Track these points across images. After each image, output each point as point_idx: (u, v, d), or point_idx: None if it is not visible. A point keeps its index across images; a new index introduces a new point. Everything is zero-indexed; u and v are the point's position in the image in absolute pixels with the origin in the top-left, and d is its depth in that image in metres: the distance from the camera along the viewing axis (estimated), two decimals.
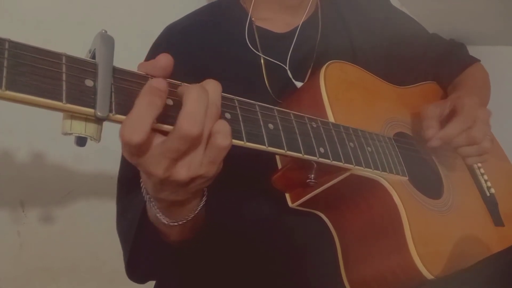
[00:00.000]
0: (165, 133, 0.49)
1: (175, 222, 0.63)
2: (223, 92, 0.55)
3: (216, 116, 0.50)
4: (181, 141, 0.47)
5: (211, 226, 0.75)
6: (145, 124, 0.45)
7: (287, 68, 0.89)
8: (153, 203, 0.63)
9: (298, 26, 0.92)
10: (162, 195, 0.57)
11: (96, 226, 1.19)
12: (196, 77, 0.52)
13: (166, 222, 0.63)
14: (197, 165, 0.50)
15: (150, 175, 0.51)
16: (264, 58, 0.89)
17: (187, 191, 0.56)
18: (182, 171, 0.50)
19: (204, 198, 0.64)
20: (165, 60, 0.51)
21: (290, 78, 0.88)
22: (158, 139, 0.49)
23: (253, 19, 0.93)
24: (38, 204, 1.13)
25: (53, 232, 1.16)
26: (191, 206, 0.63)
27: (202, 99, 0.48)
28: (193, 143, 0.48)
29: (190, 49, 0.87)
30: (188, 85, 0.50)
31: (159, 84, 0.46)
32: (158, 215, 0.63)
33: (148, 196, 0.63)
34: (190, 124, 0.46)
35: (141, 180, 0.60)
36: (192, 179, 0.52)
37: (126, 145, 0.46)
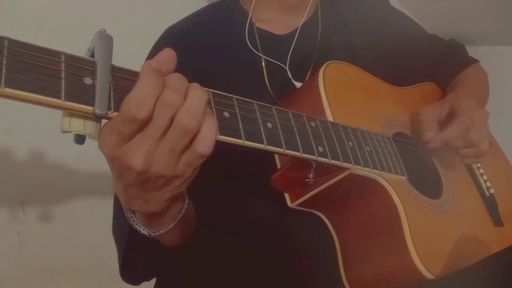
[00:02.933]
0: None
1: (156, 232, 0.62)
2: (223, 92, 0.55)
3: (187, 126, 0.48)
4: (164, 111, 0.47)
5: (210, 226, 0.75)
6: (153, 99, 0.45)
7: (287, 68, 0.89)
8: (131, 214, 0.63)
9: (298, 27, 0.92)
10: (136, 206, 0.56)
11: (96, 226, 1.18)
12: (196, 79, 0.52)
13: (146, 234, 0.63)
14: (173, 161, 0.49)
15: (127, 171, 0.49)
16: (264, 59, 0.89)
17: (161, 196, 0.55)
18: (158, 163, 0.49)
19: (185, 206, 0.63)
20: (168, 52, 0.51)
21: (290, 79, 0.88)
22: None
23: (253, 20, 0.93)
24: (38, 204, 1.13)
25: (53, 232, 1.16)
26: (171, 214, 0.62)
27: (182, 78, 0.49)
28: (172, 114, 0.47)
29: (191, 51, 0.87)
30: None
31: (167, 56, 0.49)
32: (137, 226, 0.63)
33: (127, 210, 0.62)
34: (172, 92, 0.47)
35: None
36: (167, 179, 0.51)
37: (127, 122, 0.45)
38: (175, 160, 0.49)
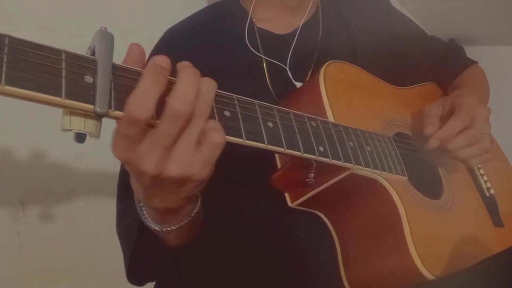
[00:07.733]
0: None
1: (168, 228, 0.63)
2: (224, 92, 0.55)
3: (206, 113, 0.49)
4: (172, 122, 0.46)
5: (211, 226, 0.75)
6: (152, 100, 0.45)
7: (287, 68, 0.89)
8: (144, 211, 0.63)
9: (298, 27, 0.92)
10: (154, 203, 0.57)
11: (96, 226, 1.19)
12: None
13: (158, 229, 0.63)
14: (187, 162, 0.49)
15: (141, 174, 0.50)
16: (265, 59, 0.89)
17: (178, 195, 0.55)
18: (173, 167, 0.49)
19: (199, 204, 0.64)
20: (136, 49, 0.51)
21: (291, 79, 0.88)
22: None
23: (253, 20, 0.93)
24: (38, 204, 1.13)
25: (53, 232, 1.16)
26: (185, 211, 0.63)
27: (193, 81, 0.48)
28: (183, 125, 0.47)
29: (191, 51, 0.87)
30: (184, 65, 0.50)
31: (163, 62, 0.46)
32: (149, 224, 0.63)
33: (140, 205, 0.63)
34: (181, 103, 0.46)
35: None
36: (184, 181, 0.51)
37: (129, 123, 0.45)
38: (189, 159, 0.49)
